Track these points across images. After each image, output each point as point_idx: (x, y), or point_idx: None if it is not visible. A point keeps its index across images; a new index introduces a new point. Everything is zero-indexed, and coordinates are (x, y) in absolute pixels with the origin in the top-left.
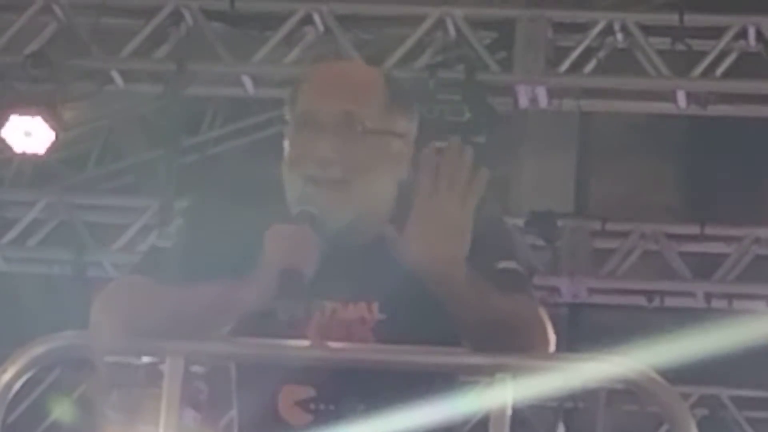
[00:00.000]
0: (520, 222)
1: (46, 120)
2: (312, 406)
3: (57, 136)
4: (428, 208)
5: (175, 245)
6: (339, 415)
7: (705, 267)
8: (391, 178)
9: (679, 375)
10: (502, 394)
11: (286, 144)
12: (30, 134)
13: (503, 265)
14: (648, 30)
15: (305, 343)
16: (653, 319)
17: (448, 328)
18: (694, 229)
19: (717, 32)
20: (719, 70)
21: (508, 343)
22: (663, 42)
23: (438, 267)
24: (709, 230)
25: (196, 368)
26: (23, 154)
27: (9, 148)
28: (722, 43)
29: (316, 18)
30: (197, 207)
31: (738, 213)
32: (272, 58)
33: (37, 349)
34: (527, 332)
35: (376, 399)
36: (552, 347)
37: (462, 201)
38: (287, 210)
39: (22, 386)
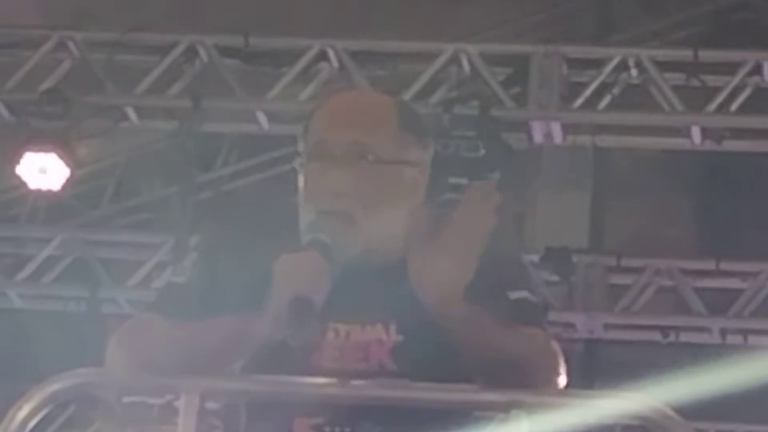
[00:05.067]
0: (535, 258)
1: (60, 156)
2: (327, 428)
3: (72, 173)
4: (435, 241)
5: (190, 281)
6: None
7: (720, 303)
8: (404, 208)
9: (694, 411)
10: (517, 431)
11: (300, 177)
12: (45, 171)
13: (516, 295)
14: (662, 66)
15: (321, 379)
16: (668, 355)
17: None
18: (709, 265)
19: (731, 68)
20: (734, 106)
21: (516, 380)
22: (678, 78)
23: (433, 299)
24: (725, 266)
25: (211, 404)
26: (38, 191)
27: (24, 185)
28: (737, 79)
29: (331, 54)
30: (211, 242)
31: (753, 248)
32: (287, 95)
33: (53, 387)
34: (536, 369)
35: (391, 424)
36: (563, 382)
37: (467, 237)
38: (300, 241)
39: (37, 423)
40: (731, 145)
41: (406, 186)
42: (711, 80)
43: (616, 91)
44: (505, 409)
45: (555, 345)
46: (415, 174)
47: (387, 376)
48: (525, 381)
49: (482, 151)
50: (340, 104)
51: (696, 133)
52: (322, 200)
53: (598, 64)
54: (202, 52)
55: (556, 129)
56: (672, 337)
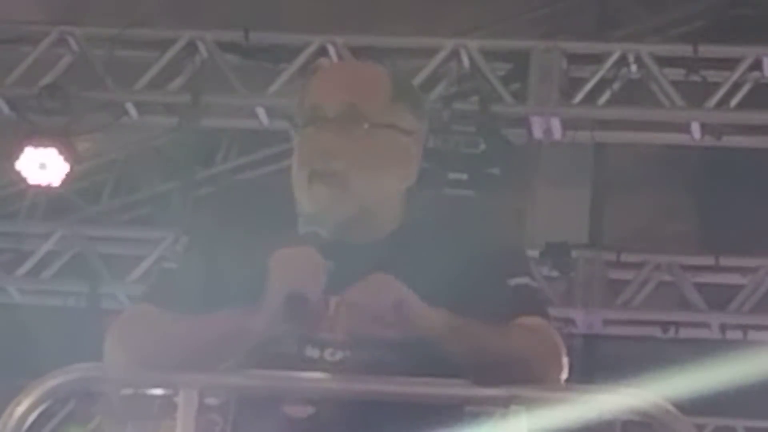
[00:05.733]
0: (534, 253)
1: (60, 152)
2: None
3: (71, 168)
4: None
5: (188, 273)
6: (341, 406)
7: (720, 298)
8: (397, 177)
9: (694, 406)
10: (516, 426)
11: (295, 143)
12: (45, 166)
13: (516, 281)
14: (662, 61)
15: (320, 375)
16: (668, 350)
17: None
18: (709, 260)
19: (731, 63)
20: (734, 101)
21: (516, 377)
22: (677, 73)
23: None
24: (724, 261)
25: (211, 400)
26: (38, 186)
27: (24, 180)
28: (736, 74)
29: (331, 50)
30: (207, 233)
31: (753, 244)
32: (287, 90)
33: (52, 382)
34: (535, 364)
35: (376, 407)
36: (564, 373)
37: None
38: (297, 234)
39: (37, 418)
40: (731, 140)
41: (399, 153)
42: (711, 75)
43: (615, 86)
44: (504, 404)
45: (555, 334)
46: (409, 143)
47: (380, 347)
48: (526, 376)
49: (482, 147)
50: (334, 71)
51: (696, 128)
52: (314, 161)
53: (597, 59)
54: (202, 48)
55: (556, 124)
56: (672, 333)
